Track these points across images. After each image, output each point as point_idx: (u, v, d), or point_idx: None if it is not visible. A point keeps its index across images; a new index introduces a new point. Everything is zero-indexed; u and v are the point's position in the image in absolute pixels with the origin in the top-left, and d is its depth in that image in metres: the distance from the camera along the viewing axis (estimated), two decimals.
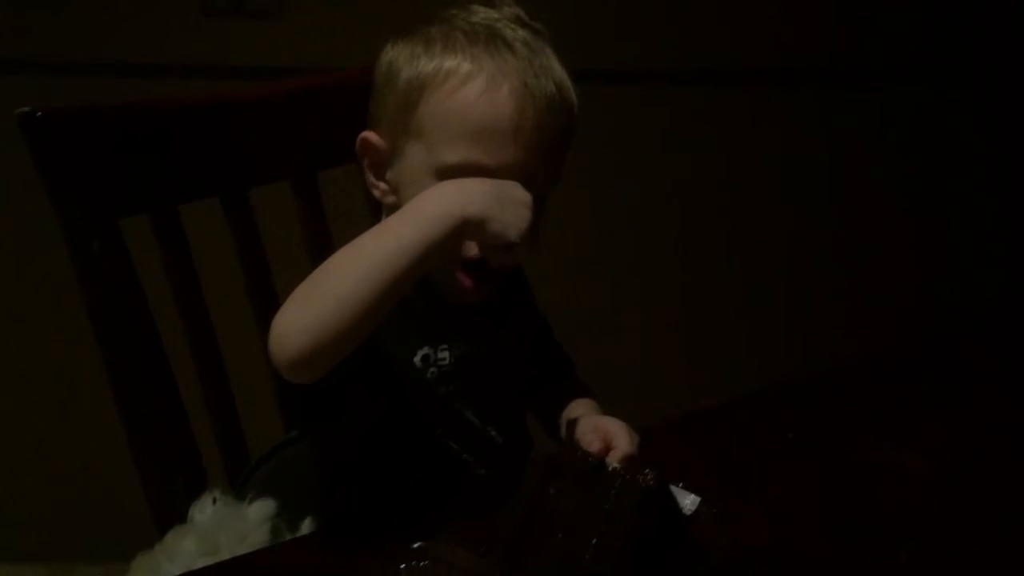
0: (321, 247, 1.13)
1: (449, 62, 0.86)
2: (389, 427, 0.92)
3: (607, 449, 0.83)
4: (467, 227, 0.79)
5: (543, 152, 0.87)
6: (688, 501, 0.83)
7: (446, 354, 0.93)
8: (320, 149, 1.12)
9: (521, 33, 0.88)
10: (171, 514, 0.99)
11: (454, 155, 0.85)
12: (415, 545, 0.69)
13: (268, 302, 1.05)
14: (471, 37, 0.87)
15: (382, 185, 0.93)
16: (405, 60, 0.88)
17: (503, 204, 0.80)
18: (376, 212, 1.13)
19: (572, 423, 0.95)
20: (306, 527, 0.92)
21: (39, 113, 0.88)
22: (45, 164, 0.89)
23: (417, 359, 0.91)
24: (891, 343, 1.27)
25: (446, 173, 0.85)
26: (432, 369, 0.92)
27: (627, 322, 2.07)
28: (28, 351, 1.88)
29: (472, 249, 0.87)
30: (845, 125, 2.07)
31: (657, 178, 2.01)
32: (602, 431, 0.85)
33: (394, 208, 0.92)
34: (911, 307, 2.12)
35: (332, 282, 0.78)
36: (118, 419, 0.99)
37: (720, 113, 2.01)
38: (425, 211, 0.79)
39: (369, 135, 0.92)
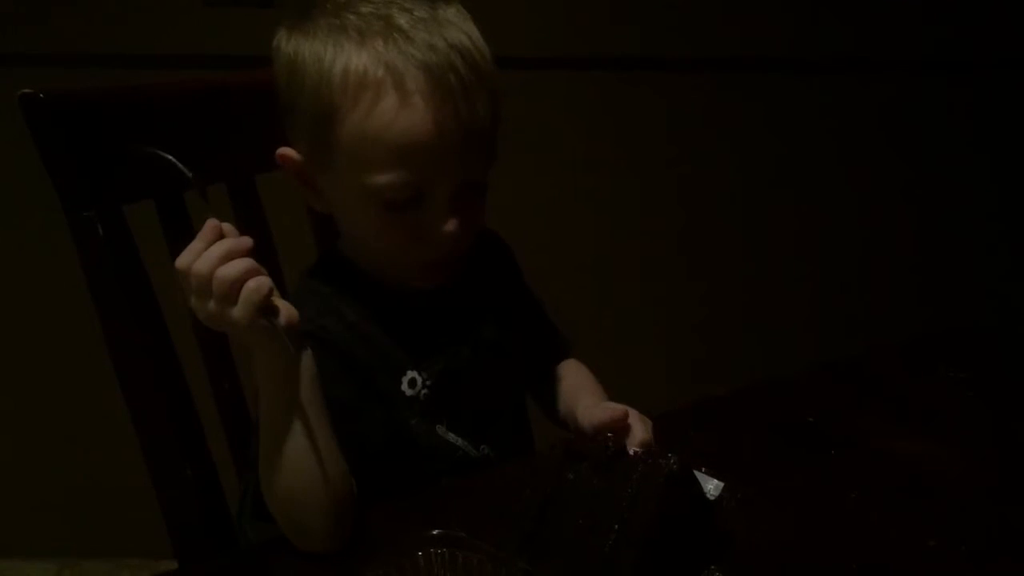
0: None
1: (354, 62, 0.80)
2: (376, 471, 0.89)
3: (623, 435, 0.82)
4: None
5: (471, 138, 0.82)
6: (711, 486, 0.81)
7: (428, 371, 0.91)
8: None
9: (417, 13, 0.82)
10: (179, 507, 0.97)
11: (383, 176, 0.81)
12: (433, 532, 0.67)
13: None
14: (365, 32, 0.81)
15: (312, 194, 0.90)
16: (310, 61, 0.83)
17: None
18: None
19: (583, 411, 0.93)
20: None
21: (41, 95, 0.86)
22: (47, 147, 0.88)
23: (404, 387, 0.90)
24: (908, 335, 1.25)
25: (378, 192, 0.82)
26: (423, 391, 0.90)
27: (635, 315, 2.05)
28: (33, 346, 1.87)
29: (428, 254, 0.86)
30: (853, 115, 2.05)
31: (662, 166, 1.99)
32: (617, 417, 0.84)
33: (329, 213, 0.90)
34: (929, 299, 2.10)
35: (273, 479, 0.78)
36: (125, 410, 0.98)
37: (725, 102, 1.99)
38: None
39: (288, 153, 0.87)
